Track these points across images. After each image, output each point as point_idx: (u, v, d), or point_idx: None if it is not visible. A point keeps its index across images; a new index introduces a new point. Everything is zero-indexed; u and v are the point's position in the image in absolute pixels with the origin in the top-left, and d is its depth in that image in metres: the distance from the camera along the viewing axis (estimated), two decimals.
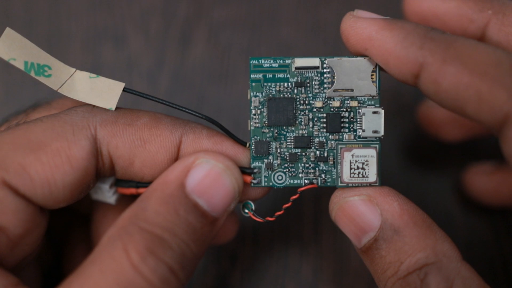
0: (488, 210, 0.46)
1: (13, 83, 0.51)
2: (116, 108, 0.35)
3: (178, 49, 0.52)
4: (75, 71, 0.34)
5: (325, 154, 0.35)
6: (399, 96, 0.49)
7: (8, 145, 0.32)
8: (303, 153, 0.35)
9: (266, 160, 0.35)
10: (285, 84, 0.35)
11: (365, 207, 0.34)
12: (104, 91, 0.34)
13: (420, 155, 0.49)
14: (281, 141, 0.35)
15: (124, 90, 0.35)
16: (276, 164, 0.35)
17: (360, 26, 0.33)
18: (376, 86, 0.34)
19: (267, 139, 0.35)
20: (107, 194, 0.37)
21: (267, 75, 0.35)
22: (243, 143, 0.35)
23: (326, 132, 0.35)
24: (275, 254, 0.47)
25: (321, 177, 0.35)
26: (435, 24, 0.38)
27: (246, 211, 0.36)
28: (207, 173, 0.33)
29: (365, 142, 0.34)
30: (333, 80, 0.34)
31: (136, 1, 0.53)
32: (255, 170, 0.35)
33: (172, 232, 0.30)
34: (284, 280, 0.46)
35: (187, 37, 0.52)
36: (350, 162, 0.34)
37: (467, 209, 0.47)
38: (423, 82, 0.32)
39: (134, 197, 0.38)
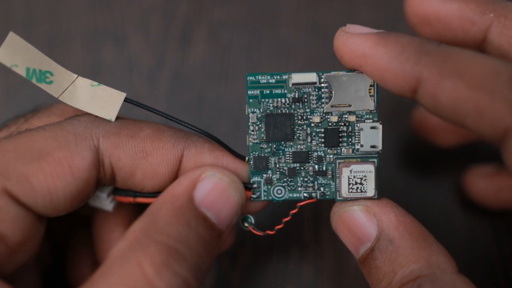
0: (488, 212, 0.47)
1: (14, 83, 0.51)
2: (118, 117, 0.35)
3: (178, 49, 0.52)
4: (77, 77, 0.34)
5: (324, 168, 0.35)
6: (398, 99, 0.49)
7: (10, 153, 0.32)
8: (302, 168, 0.35)
9: (265, 175, 0.35)
10: (283, 100, 0.35)
11: (362, 217, 0.34)
12: (105, 101, 0.34)
13: (420, 158, 0.49)
14: (280, 156, 0.35)
15: (125, 100, 0.35)
16: (275, 179, 0.35)
17: (353, 43, 0.33)
18: (374, 101, 0.34)
19: (266, 154, 0.35)
20: (104, 202, 0.37)
21: (264, 91, 0.35)
22: (242, 158, 0.35)
23: (324, 146, 0.35)
24: (275, 255, 0.47)
25: (320, 190, 0.35)
26: (437, 26, 0.37)
27: (246, 224, 0.37)
28: (214, 186, 0.33)
29: (363, 157, 0.35)
30: (331, 95, 0.34)
31: (136, 1, 0.53)
32: (255, 185, 0.35)
33: (186, 244, 0.30)
34: (284, 280, 0.47)
35: (187, 37, 0.52)
36: (349, 178, 0.34)
37: (468, 211, 0.47)
38: (421, 96, 0.31)
39: (131, 205, 0.38)
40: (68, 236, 0.42)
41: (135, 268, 0.29)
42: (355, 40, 0.32)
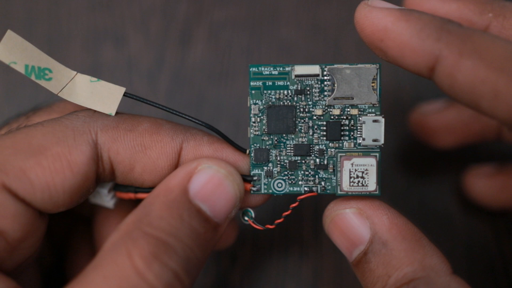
0: (488, 212, 0.47)
1: (14, 82, 0.51)
2: (117, 112, 0.35)
3: (178, 49, 0.52)
4: (76, 74, 0.34)
5: (325, 162, 0.35)
6: (399, 99, 0.49)
7: (8, 149, 0.32)
8: (303, 161, 0.35)
9: (265, 168, 0.35)
10: (285, 92, 0.34)
11: (355, 220, 0.34)
12: (104, 96, 0.34)
13: (420, 158, 0.49)
14: (281, 149, 0.35)
15: (125, 95, 0.34)
16: (275, 172, 0.35)
17: (375, 16, 0.32)
18: (376, 94, 0.34)
19: (267, 146, 0.35)
20: (105, 198, 0.37)
21: (267, 82, 0.35)
22: (243, 150, 0.35)
23: (326, 140, 0.35)
24: (275, 254, 0.47)
25: (321, 184, 0.35)
26: None
27: (246, 218, 0.36)
28: (210, 178, 0.33)
29: (365, 151, 0.34)
30: (334, 87, 0.34)
31: (136, 1, 0.53)
32: (255, 178, 0.35)
33: (176, 237, 0.30)
34: (284, 280, 0.46)
35: (187, 37, 0.52)
36: (350, 171, 0.34)
37: (468, 211, 0.47)
38: (438, 75, 0.31)
39: (132, 201, 0.38)
40: (68, 235, 0.42)
41: (125, 260, 0.29)
42: (377, 13, 0.32)
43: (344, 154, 0.34)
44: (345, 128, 0.34)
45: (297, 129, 0.35)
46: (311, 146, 0.35)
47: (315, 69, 0.34)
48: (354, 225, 0.34)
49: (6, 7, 0.53)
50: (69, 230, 0.42)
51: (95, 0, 0.53)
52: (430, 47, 0.31)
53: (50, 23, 0.53)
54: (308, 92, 0.34)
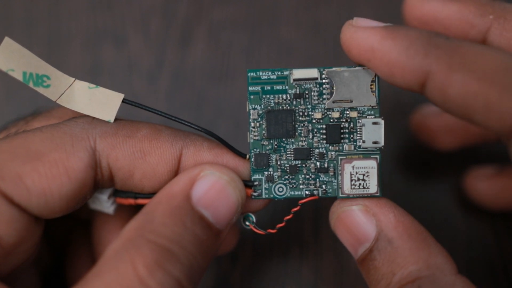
0: (488, 212, 0.46)
1: (14, 85, 0.51)
2: (116, 118, 0.34)
3: (178, 49, 0.52)
4: (74, 80, 0.34)
5: (326, 165, 0.35)
6: (399, 101, 0.49)
7: (5, 153, 0.32)
8: (303, 165, 0.35)
9: (266, 173, 0.35)
10: (284, 96, 0.34)
11: (361, 217, 0.34)
12: (103, 102, 0.34)
13: (420, 159, 0.49)
14: (281, 153, 0.35)
15: (123, 101, 0.34)
16: (276, 176, 0.35)
17: (360, 36, 0.32)
18: (375, 96, 0.34)
19: (267, 151, 0.35)
20: (105, 204, 0.37)
21: (265, 87, 0.34)
22: (242, 155, 0.35)
23: (326, 143, 0.35)
24: (275, 254, 0.47)
25: (322, 188, 0.35)
26: (436, 29, 0.37)
27: (247, 223, 0.36)
28: (213, 185, 0.33)
29: (366, 153, 0.34)
30: (332, 91, 0.34)
31: (136, 1, 0.53)
32: (256, 183, 0.35)
33: (180, 244, 0.30)
34: (285, 280, 0.46)
35: (187, 37, 0.52)
36: (351, 174, 0.34)
37: (468, 212, 0.47)
38: (429, 91, 0.31)
39: (132, 207, 0.38)
40: (68, 238, 0.42)
41: (128, 268, 0.29)
42: (362, 34, 0.32)
43: (344, 157, 0.34)
44: (345, 131, 0.34)
45: (296, 133, 0.35)
46: (311, 149, 0.35)
47: (313, 72, 0.34)
48: (360, 222, 0.34)
49: (6, 7, 0.53)
50: (68, 233, 0.42)
51: (95, 0, 0.53)
52: (419, 64, 0.30)
53: (50, 23, 0.53)
54: (307, 96, 0.34)
